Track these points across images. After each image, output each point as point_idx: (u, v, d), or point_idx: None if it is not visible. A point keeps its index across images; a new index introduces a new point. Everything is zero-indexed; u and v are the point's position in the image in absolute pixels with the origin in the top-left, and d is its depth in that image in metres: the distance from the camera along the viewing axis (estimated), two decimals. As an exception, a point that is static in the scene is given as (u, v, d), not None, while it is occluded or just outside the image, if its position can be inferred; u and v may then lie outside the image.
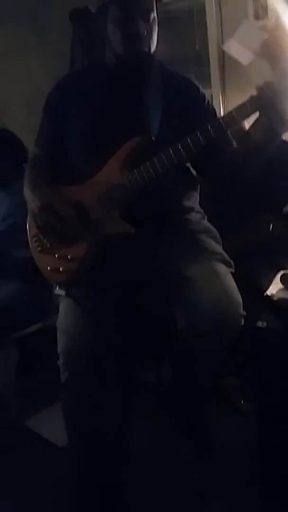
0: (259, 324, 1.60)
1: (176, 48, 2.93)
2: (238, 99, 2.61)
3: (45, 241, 1.51)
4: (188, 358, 1.44)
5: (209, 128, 1.31)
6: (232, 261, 1.50)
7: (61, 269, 1.48)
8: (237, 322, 1.36)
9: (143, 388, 1.86)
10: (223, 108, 2.70)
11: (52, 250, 1.50)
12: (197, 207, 1.61)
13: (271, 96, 1.25)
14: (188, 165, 1.53)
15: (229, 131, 1.40)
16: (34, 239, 1.54)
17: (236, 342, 1.39)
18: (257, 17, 2.51)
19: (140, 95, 1.49)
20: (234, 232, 1.83)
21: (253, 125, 1.32)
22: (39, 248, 1.53)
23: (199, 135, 1.31)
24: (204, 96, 1.56)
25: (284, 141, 1.37)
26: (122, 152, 1.42)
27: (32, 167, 1.61)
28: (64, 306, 1.48)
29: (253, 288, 1.69)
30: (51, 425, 1.92)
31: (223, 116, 1.33)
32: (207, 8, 2.69)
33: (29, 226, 1.57)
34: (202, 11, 2.73)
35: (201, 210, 1.63)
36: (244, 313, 1.38)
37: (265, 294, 1.70)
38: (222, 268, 1.43)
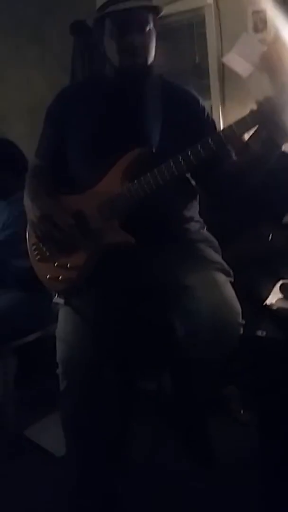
0: (259, 333, 1.60)
1: (176, 60, 2.96)
2: (237, 111, 2.67)
3: (44, 249, 1.51)
4: (187, 366, 1.45)
5: (210, 141, 1.32)
6: (231, 271, 1.51)
7: (60, 277, 1.48)
8: (236, 331, 1.37)
9: (143, 397, 1.86)
10: (222, 120, 2.72)
11: (51, 259, 1.50)
12: (196, 216, 1.62)
13: (270, 111, 1.27)
14: (188, 175, 1.54)
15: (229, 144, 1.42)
16: (34, 247, 1.55)
17: (236, 351, 1.39)
18: (256, 30, 2.54)
19: (140, 106, 1.50)
20: (234, 241, 1.84)
21: (252, 137, 1.33)
22: (38, 257, 1.54)
23: (199, 147, 1.33)
24: (204, 108, 1.57)
25: (284, 152, 1.37)
26: (123, 163, 1.43)
27: (32, 177, 1.63)
28: (63, 315, 1.48)
29: (252, 297, 1.69)
30: (50, 435, 1.91)
31: (224, 130, 1.34)
32: (207, 21, 2.73)
33: (29, 235, 1.58)
34: (202, 24, 2.76)
35: (201, 220, 1.64)
36: (243, 322, 1.39)
37: (264, 303, 1.70)
38: (222, 278, 1.44)
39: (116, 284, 1.48)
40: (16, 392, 2.01)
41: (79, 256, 1.46)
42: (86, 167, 1.52)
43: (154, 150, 1.43)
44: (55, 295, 1.69)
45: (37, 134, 1.72)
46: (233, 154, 1.49)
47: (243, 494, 1.58)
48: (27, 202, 1.54)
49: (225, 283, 1.43)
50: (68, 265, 1.47)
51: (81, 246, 1.46)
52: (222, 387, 1.88)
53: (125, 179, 1.43)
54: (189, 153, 1.34)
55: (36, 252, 1.54)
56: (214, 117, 1.63)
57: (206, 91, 2.73)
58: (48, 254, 1.51)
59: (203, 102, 1.59)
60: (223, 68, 2.71)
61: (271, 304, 1.69)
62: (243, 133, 1.32)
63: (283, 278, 1.77)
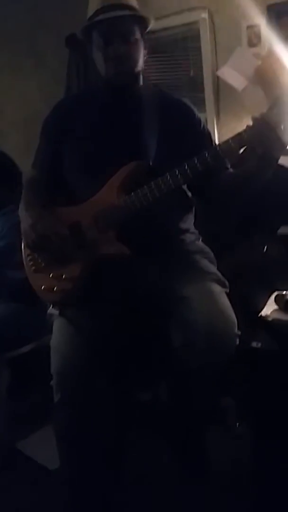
0: (254, 344, 1.60)
1: (171, 73, 3.00)
2: (232, 124, 2.71)
3: (39, 260, 1.51)
4: (183, 377, 1.44)
5: (207, 155, 1.33)
6: (226, 281, 1.51)
7: (55, 288, 1.47)
8: (232, 341, 1.37)
9: (138, 408, 1.84)
10: (217, 133, 2.75)
11: (46, 270, 1.50)
12: (192, 228, 1.63)
13: (266, 127, 1.28)
14: (184, 187, 1.55)
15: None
16: (29, 258, 1.55)
17: (231, 362, 1.39)
18: (250, 44, 2.58)
19: (135, 117, 1.51)
20: (229, 253, 1.85)
21: (248, 151, 1.34)
22: (33, 268, 1.53)
23: (196, 161, 1.34)
24: (200, 120, 1.59)
25: (279, 165, 1.39)
26: (120, 175, 1.44)
27: (28, 188, 1.63)
28: (58, 326, 1.47)
29: (247, 308, 1.69)
30: (43, 448, 1.89)
31: (220, 144, 1.35)
32: (201, 35, 2.77)
33: (24, 246, 1.57)
34: (197, 37, 2.80)
35: (196, 231, 1.64)
36: (239, 332, 1.38)
37: (259, 314, 1.70)
38: (217, 288, 1.44)
39: (111, 295, 1.47)
40: (8, 404, 1.99)
41: (75, 267, 1.46)
42: (83, 179, 1.52)
43: (151, 163, 1.43)
44: (50, 306, 1.68)
45: (32, 145, 1.72)
46: (230, 166, 1.50)
47: (238, 506, 1.57)
48: (22, 212, 1.54)
49: (220, 294, 1.43)
50: (64, 276, 1.46)
51: (77, 257, 1.46)
52: (218, 399, 1.87)
53: (122, 192, 1.43)
54: (186, 167, 1.35)
55: (31, 263, 1.54)
56: (209, 129, 1.64)
57: (201, 104, 2.76)
58: (43, 265, 1.51)
59: (199, 114, 1.60)
60: (217, 82, 2.74)
61: (266, 315, 1.70)
62: (240, 148, 1.33)
63: (278, 290, 1.77)
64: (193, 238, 1.61)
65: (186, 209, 1.61)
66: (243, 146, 1.33)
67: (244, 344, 1.44)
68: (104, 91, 1.56)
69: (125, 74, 1.47)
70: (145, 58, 1.55)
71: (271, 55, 2.47)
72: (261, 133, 1.29)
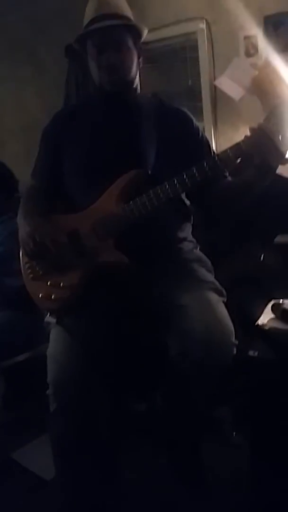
0: (251, 353, 1.60)
1: (170, 82, 3.02)
2: (229, 133, 2.72)
3: (37, 268, 1.51)
4: (180, 386, 1.43)
5: (205, 165, 1.34)
6: (224, 290, 1.51)
7: (53, 296, 1.47)
8: (230, 350, 1.37)
9: (134, 418, 1.83)
10: (215, 142, 2.76)
11: (44, 278, 1.50)
12: (189, 237, 1.63)
13: (264, 137, 1.29)
14: (183, 196, 1.56)
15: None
16: (27, 266, 1.54)
17: (228, 371, 1.39)
18: (248, 54, 2.60)
19: (133, 126, 1.52)
20: (226, 261, 1.85)
21: (246, 161, 1.35)
22: (31, 275, 1.53)
23: (195, 171, 1.35)
24: (198, 128, 1.60)
25: (277, 175, 1.40)
26: (119, 184, 1.45)
27: (27, 196, 1.63)
28: (55, 334, 1.47)
29: (244, 317, 1.69)
30: (39, 458, 1.87)
31: (219, 155, 1.36)
32: (199, 45, 2.79)
33: (22, 254, 1.57)
34: (194, 48, 2.82)
35: (194, 240, 1.65)
36: (236, 342, 1.38)
37: (256, 323, 1.70)
38: (214, 297, 1.44)
39: (109, 303, 1.47)
40: (4, 413, 1.98)
41: (73, 275, 1.46)
42: (82, 187, 1.53)
43: (150, 172, 1.44)
44: (47, 314, 1.68)
45: (31, 153, 1.73)
46: (228, 175, 1.51)
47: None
48: (20, 220, 1.54)
49: (218, 302, 1.43)
50: (61, 284, 1.46)
51: (75, 265, 1.46)
52: (214, 407, 1.86)
53: (121, 200, 1.44)
54: (185, 176, 1.36)
55: (29, 271, 1.54)
56: (207, 138, 1.65)
57: (198, 113, 2.77)
58: (41, 272, 1.51)
59: (197, 123, 1.61)
60: (215, 91, 2.76)
61: (263, 324, 1.70)
62: (238, 158, 1.34)
63: (274, 298, 1.77)
64: (191, 246, 1.61)
65: (184, 218, 1.62)
66: (241, 156, 1.34)
67: (241, 353, 1.44)
68: (99, 100, 1.58)
69: (118, 82, 1.49)
70: (140, 66, 1.57)
71: (268, 65, 2.49)
72: (259, 143, 1.30)
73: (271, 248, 1.98)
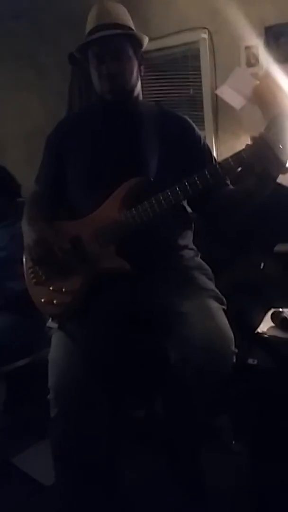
0: (250, 361, 1.61)
1: (171, 91, 3.04)
2: (230, 142, 2.74)
3: (40, 273, 1.52)
4: (180, 393, 1.43)
5: (207, 173, 1.36)
6: (224, 298, 1.52)
7: (55, 301, 1.48)
8: (229, 358, 1.37)
9: (134, 424, 1.84)
10: (216, 150, 2.78)
11: (47, 283, 1.50)
12: (190, 244, 1.64)
13: (264, 146, 1.30)
14: (184, 203, 1.57)
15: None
16: (30, 270, 1.55)
17: (228, 379, 1.39)
18: (249, 64, 2.62)
19: (135, 134, 1.54)
20: (227, 269, 1.86)
21: (247, 170, 1.37)
22: (34, 280, 1.54)
23: (196, 179, 1.36)
24: (200, 136, 1.62)
25: (277, 183, 1.41)
26: (121, 191, 1.46)
27: (31, 202, 1.65)
28: (57, 339, 1.47)
29: (244, 325, 1.70)
30: (39, 463, 1.87)
31: (220, 163, 1.38)
32: (201, 55, 2.81)
33: (26, 259, 1.58)
34: (196, 57, 2.85)
35: (195, 248, 1.66)
36: (236, 350, 1.39)
37: (256, 331, 1.71)
38: (215, 305, 1.45)
39: (110, 309, 1.48)
40: (4, 418, 1.98)
41: (75, 281, 1.47)
42: (85, 194, 1.55)
43: (152, 179, 1.46)
44: (49, 319, 1.69)
45: (33, 159, 1.75)
46: (229, 183, 1.52)
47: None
48: (24, 226, 1.56)
49: (218, 310, 1.44)
50: (64, 289, 1.47)
51: (77, 271, 1.46)
52: (214, 417, 1.86)
53: (123, 207, 1.45)
54: (186, 184, 1.37)
55: (32, 276, 1.54)
56: (209, 146, 1.67)
57: (200, 122, 2.79)
58: (44, 278, 1.51)
59: (199, 131, 1.63)
60: (216, 100, 2.78)
61: (263, 332, 1.71)
62: (239, 166, 1.36)
63: (274, 307, 1.78)
64: (192, 254, 1.63)
65: (186, 226, 1.63)
66: (242, 164, 1.35)
67: (240, 361, 1.45)
68: (100, 108, 1.60)
69: (118, 91, 1.51)
70: (141, 75, 1.59)
71: (268, 75, 2.51)
72: (260, 152, 1.31)
73: (271, 257, 1.99)
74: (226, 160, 1.36)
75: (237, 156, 1.35)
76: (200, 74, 2.85)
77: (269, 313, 1.77)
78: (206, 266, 1.62)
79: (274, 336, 1.68)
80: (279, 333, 1.68)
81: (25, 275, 1.57)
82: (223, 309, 1.47)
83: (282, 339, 1.65)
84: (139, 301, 1.48)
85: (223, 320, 1.41)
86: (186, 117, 1.64)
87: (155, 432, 1.75)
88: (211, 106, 2.81)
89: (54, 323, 1.55)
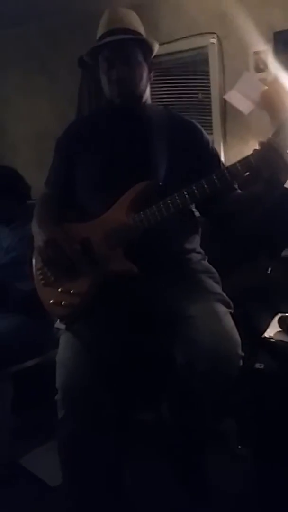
0: (257, 365, 1.61)
1: (180, 96, 3.05)
2: (238, 146, 2.75)
3: (49, 274, 1.53)
4: (186, 397, 1.44)
5: (214, 178, 1.37)
6: (231, 302, 1.52)
7: (63, 303, 1.49)
8: (236, 362, 1.37)
9: (140, 427, 1.84)
10: (224, 155, 2.79)
11: (56, 284, 1.52)
12: (198, 248, 1.65)
13: (273, 152, 1.31)
14: (192, 207, 1.58)
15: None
16: (39, 272, 1.57)
17: (234, 383, 1.39)
18: (257, 69, 2.64)
19: (144, 138, 1.55)
20: (234, 273, 1.86)
21: (255, 175, 1.38)
22: (43, 281, 1.55)
23: (204, 183, 1.37)
24: (208, 140, 1.63)
25: (285, 188, 1.42)
26: (129, 195, 1.47)
27: (41, 204, 1.66)
28: (64, 340, 1.48)
29: (251, 329, 1.70)
30: (45, 464, 1.88)
31: (228, 168, 1.38)
32: (210, 59, 2.82)
33: (35, 260, 1.60)
34: (205, 61, 2.86)
35: (202, 251, 1.66)
36: (243, 353, 1.39)
37: (263, 336, 1.71)
38: (222, 308, 1.45)
39: (118, 311, 1.49)
40: (12, 418, 1.99)
41: (83, 283, 1.48)
42: (94, 197, 1.56)
43: (161, 183, 1.47)
44: (57, 320, 1.70)
45: (43, 161, 1.77)
46: (237, 187, 1.53)
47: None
48: (34, 228, 1.57)
49: (225, 314, 1.44)
50: (72, 290, 1.48)
51: (85, 273, 1.47)
52: (220, 421, 1.86)
53: (131, 210, 1.46)
54: (194, 188, 1.38)
55: (41, 277, 1.55)
56: (217, 150, 1.68)
57: (208, 126, 2.80)
58: (53, 279, 1.52)
59: (207, 135, 1.64)
60: (225, 105, 2.79)
61: (270, 337, 1.71)
62: (247, 171, 1.37)
63: (281, 312, 1.78)
64: (199, 257, 1.63)
65: (193, 229, 1.64)
66: (250, 169, 1.36)
67: (247, 365, 1.45)
68: (110, 112, 1.62)
69: (127, 95, 1.53)
70: (151, 81, 1.60)
71: (277, 80, 2.52)
72: (268, 157, 1.32)
73: (278, 261, 1.99)
74: (234, 165, 1.37)
75: (245, 161, 1.35)
76: (208, 78, 2.86)
77: (276, 318, 1.77)
78: (213, 270, 1.63)
79: (281, 341, 1.68)
80: (286, 338, 1.68)
81: (34, 276, 1.59)
82: (230, 313, 1.48)
83: (289, 344, 1.65)
84: (146, 303, 1.49)
85: (230, 324, 1.42)
86: (194, 121, 1.65)
87: (161, 435, 1.75)
88: (220, 111, 2.82)
89: (62, 324, 1.56)
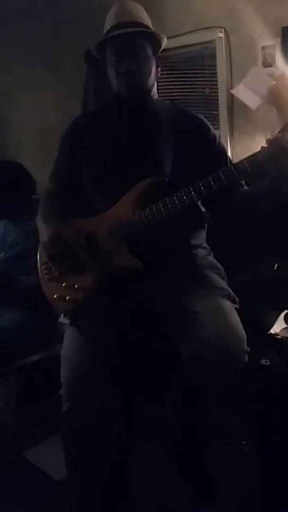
0: (263, 362, 1.61)
1: (187, 90, 3.03)
2: (245, 141, 2.73)
3: (54, 269, 1.53)
4: (191, 392, 1.44)
5: (221, 175, 1.36)
6: (237, 298, 1.52)
7: (67, 297, 1.49)
8: (241, 357, 1.37)
9: (145, 423, 1.84)
10: (231, 150, 2.77)
11: (60, 279, 1.52)
12: (204, 243, 1.65)
13: (280, 149, 1.30)
14: (198, 203, 1.57)
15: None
16: (44, 266, 1.57)
17: (240, 379, 1.39)
18: (265, 64, 2.61)
19: (151, 133, 1.55)
20: (240, 269, 1.86)
21: (262, 172, 1.37)
22: (48, 276, 1.55)
23: (211, 180, 1.37)
24: (215, 135, 1.62)
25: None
26: (135, 190, 1.47)
27: (46, 199, 1.66)
28: (69, 335, 1.49)
29: (257, 326, 1.70)
30: (50, 458, 1.88)
31: (235, 165, 1.38)
32: (217, 54, 2.80)
33: (40, 255, 1.60)
34: (212, 56, 2.84)
35: (208, 247, 1.66)
36: (248, 349, 1.39)
37: (269, 332, 1.71)
38: (227, 304, 1.45)
39: (122, 307, 1.49)
40: (17, 412, 2.00)
41: (87, 278, 1.48)
42: (99, 193, 1.56)
43: (167, 179, 1.46)
44: (61, 315, 1.70)
45: (48, 156, 1.76)
46: (244, 184, 1.52)
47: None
48: (39, 223, 1.57)
49: (230, 309, 1.44)
50: (76, 285, 1.48)
51: (90, 268, 1.48)
52: (225, 417, 1.86)
53: (137, 206, 1.46)
54: (201, 185, 1.38)
55: (46, 271, 1.56)
56: (224, 145, 1.66)
57: (215, 121, 2.78)
58: (57, 273, 1.52)
59: (214, 130, 1.63)
60: (232, 100, 2.77)
61: (275, 333, 1.70)
62: (254, 169, 1.36)
63: (287, 308, 1.77)
64: (204, 253, 1.63)
65: (199, 225, 1.63)
66: (257, 166, 1.35)
67: (252, 361, 1.44)
68: (117, 106, 1.60)
69: (135, 89, 1.52)
70: (158, 74, 1.59)
71: (285, 75, 2.50)
72: (275, 155, 1.31)
73: (285, 258, 1.98)
74: (241, 161, 1.36)
75: (252, 158, 1.35)
76: (216, 73, 2.84)
77: (282, 314, 1.76)
78: (219, 265, 1.62)
79: (287, 338, 1.67)
80: (292, 335, 1.68)
81: (39, 271, 1.59)
82: (236, 308, 1.47)
83: (295, 341, 1.65)
84: (151, 299, 1.49)
85: (236, 319, 1.41)
86: (201, 116, 1.65)
87: (165, 431, 1.75)
88: (227, 106, 2.80)
89: (66, 319, 1.56)
